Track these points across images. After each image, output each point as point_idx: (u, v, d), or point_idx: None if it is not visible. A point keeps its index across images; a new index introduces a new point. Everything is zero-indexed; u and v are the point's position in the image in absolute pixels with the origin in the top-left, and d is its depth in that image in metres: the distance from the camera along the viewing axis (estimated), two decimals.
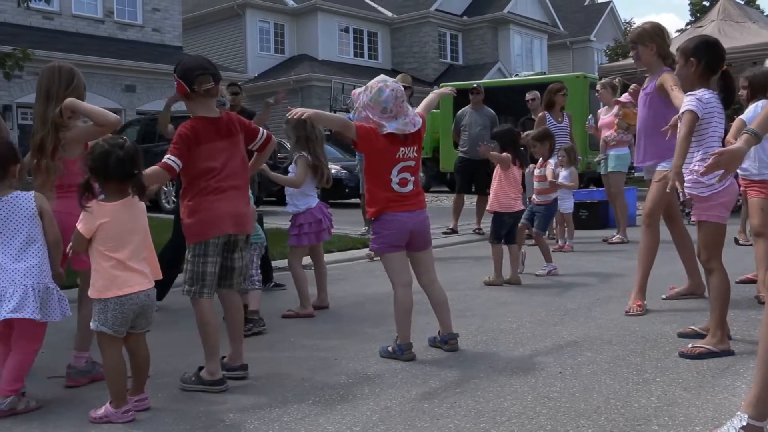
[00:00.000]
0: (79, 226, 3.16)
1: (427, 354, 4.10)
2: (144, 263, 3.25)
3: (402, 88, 4.00)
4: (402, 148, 3.96)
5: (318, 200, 5.40)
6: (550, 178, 7.09)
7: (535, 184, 7.21)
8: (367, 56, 32.46)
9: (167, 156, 3.50)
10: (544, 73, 23.03)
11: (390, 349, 4.03)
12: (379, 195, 3.98)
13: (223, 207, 3.55)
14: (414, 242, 4.06)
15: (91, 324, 3.20)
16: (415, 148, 4.04)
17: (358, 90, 4.06)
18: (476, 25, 33.86)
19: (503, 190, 6.28)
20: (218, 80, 3.63)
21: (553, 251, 7.47)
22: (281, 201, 14.49)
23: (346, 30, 31.63)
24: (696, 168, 3.98)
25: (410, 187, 4.01)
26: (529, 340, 4.36)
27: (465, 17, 33.95)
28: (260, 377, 3.73)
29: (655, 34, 4.88)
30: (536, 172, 7.22)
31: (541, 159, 7.21)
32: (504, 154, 6.27)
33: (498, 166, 6.32)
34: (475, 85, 10.80)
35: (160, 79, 21.36)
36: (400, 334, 4.02)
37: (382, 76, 4.04)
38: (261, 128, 3.89)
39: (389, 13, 33.12)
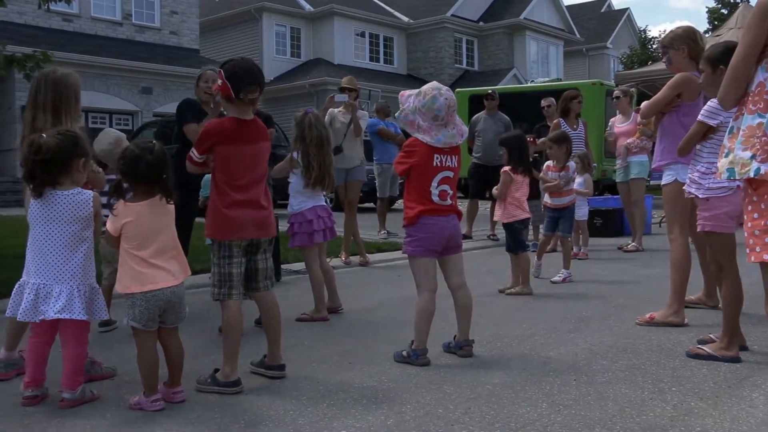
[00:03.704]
0: (108, 226, 3.34)
1: (442, 359, 4.10)
2: (172, 261, 3.36)
3: (454, 97, 4.04)
4: (437, 155, 3.98)
5: (315, 203, 5.33)
6: (566, 183, 7.03)
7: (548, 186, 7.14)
8: (383, 61, 32.53)
9: (192, 151, 3.64)
10: (560, 80, 23.01)
11: (404, 353, 4.03)
12: (418, 207, 4.00)
13: (246, 212, 3.61)
14: (448, 245, 4.09)
15: (124, 319, 3.36)
16: (454, 157, 4.05)
17: (407, 92, 4.09)
18: (492, 30, 33.84)
19: (506, 200, 6.25)
20: (263, 89, 3.69)
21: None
22: None
23: (362, 35, 31.70)
24: (703, 170, 4.01)
25: (449, 201, 4.05)
26: (544, 347, 4.34)
27: (481, 23, 33.95)
28: (275, 380, 3.74)
29: (687, 37, 4.79)
30: (552, 175, 7.14)
31: (555, 162, 7.14)
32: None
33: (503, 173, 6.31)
34: (489, 91, 10.81)
35: (177, 81, 21.51)
36: (417, 338, 4.02)
37: (435, 83, 4.07)
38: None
39: (405, 18, 33.17)
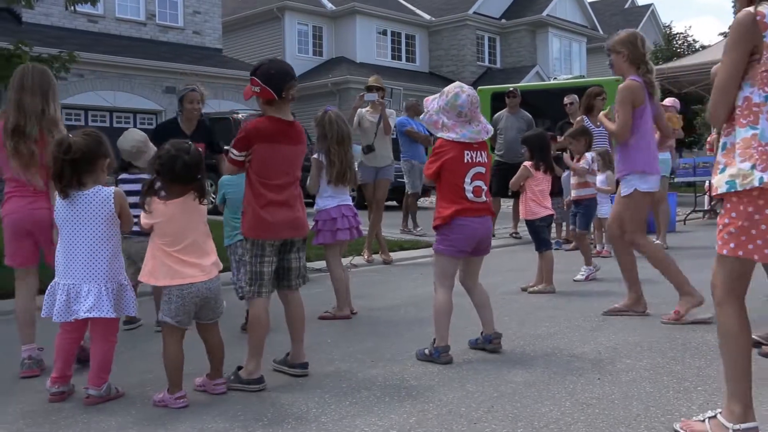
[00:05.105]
0: (141, 220, 3.41)
1: (464, 357, 4.09)
2: (204, 257, 3.42)
3: (476, 94, 4.07)
4: (467, 152, 3.99)
5: (340, 201, 5.36)
6: (577, 166, 7.04)
7: (572, 180, 7.21)
8: (405, 59, 32.47)
9: (231, 150, 3.67)
10: (583, 77, 22.82)
11: (427, 351, 4.04)
12: (452, 207, 4.00)
13: (281, 213, 3.65)
14: (478, 248, 4.11)
15: (159, 314, 3.44)
16: (483, 152, 4.07)
17: (431, 97, 4.15)
18: (514, 28, 33.66)
19: (527, 197, 6.27)
20: (297, 84, 3.79)
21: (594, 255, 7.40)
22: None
23: (384, 33, 31.66)
24: None
25: (483, 198, 4.06)
26: (567, 345, 4.32)
27: (503, 20, 33.78)
28: (297, 378, 3.76)
29: (628, 41, 4.94)
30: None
31: (577, 156, 7.16)
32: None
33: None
34: (511, 89, 10.76)
35: (200, 80, 21.55)
36: (438, 336, 4.02)
37: (457, 83, 4.13)
38: None
39: (427, 16, 33.09)
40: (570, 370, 3.78)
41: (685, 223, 11.77)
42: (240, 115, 15.97)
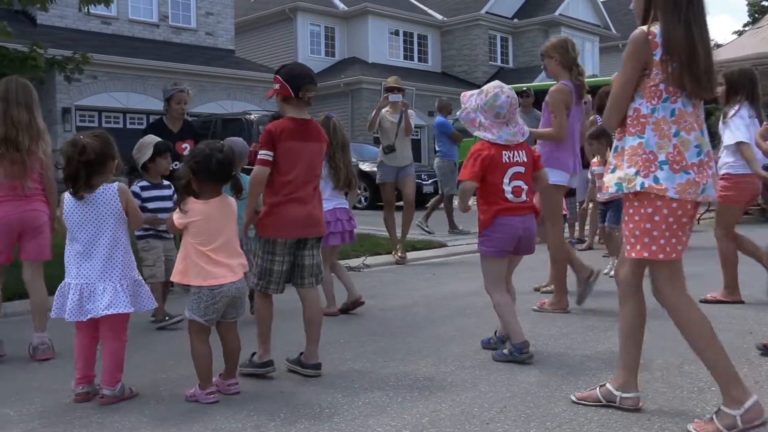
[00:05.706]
0: (174, 219, 3.45)
1: (476, 357, 4.09)
2: (236, 257, 3.48)
3: (516, 95, 4.09)
4: (504, 152, 3.99)
5: (335, 205, 5.33)
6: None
7: (599, 182, 7.18)
8: (417, 59, 32.46)
9: (259, 151, 3.73)
10: (596, 76, 22.72)
11: (506, 351, 4.00)
12: (493, 208, 3.99)
13: (295, 210, 3.73)
14: (520, 247, 4.10)
15: (185, 312, 3.49)
16: (522, 152, 4.05)
17: (469, 93, 4.16)
18: (527, 27, 33.58)
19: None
20: (315, 89, 3.87)
21: (604, 255, 7.37)
22: None
23: (397, 33, 31.67)
24: None
25: (524, 197, 4.03)
26: (580, 345, 4.31)
27: (515, 20, 33.71)
28: (310, 378, 3.77)
29: (560, 46, 5.31)
30: (597, 170, 7.18)
31: (598, 157, 7.14)
32: None
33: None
34: (524, 88, 10.74)
35: (213, 82, 21.70)
36: (512, 334, 3.98)
37: (497, 82, 4.13)
38: None
39: (439, 16, 33.07)
40: (583, 370, 3.77)
41: (699, 223, 11.69)
42: (252, 116, 15.99)
